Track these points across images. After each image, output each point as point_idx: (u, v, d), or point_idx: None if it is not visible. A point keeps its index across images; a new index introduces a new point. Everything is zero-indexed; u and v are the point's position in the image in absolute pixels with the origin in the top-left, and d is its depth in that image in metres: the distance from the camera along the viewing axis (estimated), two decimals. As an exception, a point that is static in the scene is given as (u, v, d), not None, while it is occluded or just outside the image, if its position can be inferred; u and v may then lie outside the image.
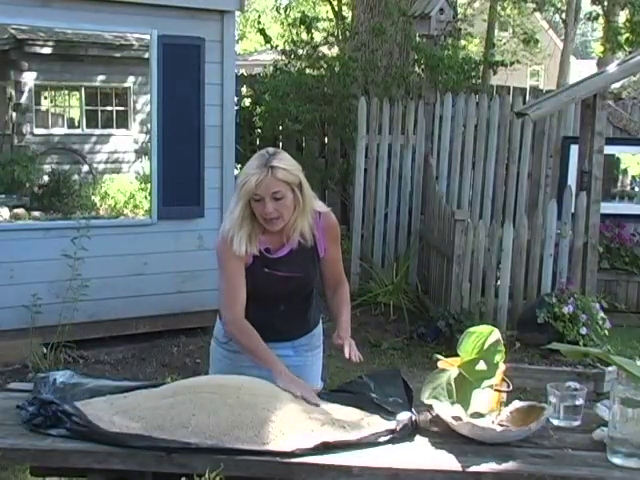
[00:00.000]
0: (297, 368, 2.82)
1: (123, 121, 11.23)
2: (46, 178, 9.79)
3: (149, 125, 6.13)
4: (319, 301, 2.98)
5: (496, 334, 2.51)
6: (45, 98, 11.15)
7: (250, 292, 2.80)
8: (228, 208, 2.76)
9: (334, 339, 2.80)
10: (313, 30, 9.28)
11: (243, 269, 2.75)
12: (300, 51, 8.92)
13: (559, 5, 17.79)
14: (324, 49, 9.33)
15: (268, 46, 9.74)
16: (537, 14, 23.78)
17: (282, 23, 11.45)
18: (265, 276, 2.76)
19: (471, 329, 2.56)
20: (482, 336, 2.51)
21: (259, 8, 19.73)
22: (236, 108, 7.27)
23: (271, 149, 2.72)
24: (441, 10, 7.26)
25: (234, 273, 2.73)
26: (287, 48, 9.04)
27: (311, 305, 2.92)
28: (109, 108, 11.26)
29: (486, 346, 2.48)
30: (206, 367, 3.08)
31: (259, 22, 10.77)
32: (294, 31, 9.36)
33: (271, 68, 9.16)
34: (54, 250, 5.44)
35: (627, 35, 11.03)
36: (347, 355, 2.71)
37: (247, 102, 9.31)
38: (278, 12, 12.62)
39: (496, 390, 2.50)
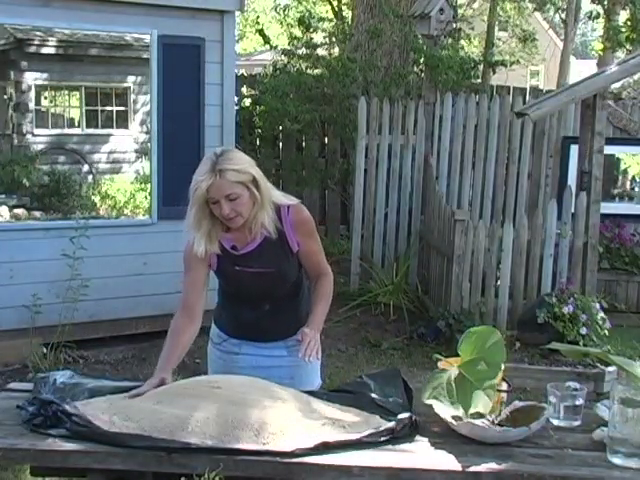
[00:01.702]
0: (291, 368, 2.81)
1: (123, 121, 11.25)
2: (46, 178, 9.80)
3: (149, 125, 6.13)
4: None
5: (497, 335, 2.51)
6: (45, 98, 11.16)
7: (232, 293, 2.83)
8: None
9: (298, 333, 2.72)
10: (313, 30, 9.28)
11: (203, 272, 2.77)
12: (299, 51, 8.92)
13: (559, 4, 17.78)
14: (324, 49, 9.33)
15: (268, 46, 9.75)
16: (537, 14, 23.80)
17: (281, 23, 11.45)
18: (237, 274, 2.76)
19: (472, 329, 2.56)
20: (483, 337, 2.50)
21: (259, 8, 19.72)
22: (236, 108, 7.27)
23: (219, 149, 2.67)
24: (441, 10, 7.26)
25: (191, 277, 2.79)
26: (286, 49, 9.04)
27: (300, 303, 2.87)
28: (109, 108, 11.28)
29: (487, 346, 2.48)
30: (206, 367, 3.08)
31: (257, 23, 10.76)
32: (293, 31, 9.37)
33: (271, 68, 9.16)
34: (54, 250, 5.44)
35: (628, 34, 11.01)
36: (300, 354, 2.65)
37: (247, 102, 9.31)
38: (277, 12, 12.62)
39: (496, 390, 2.50)
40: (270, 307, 2.82)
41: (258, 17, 12.59)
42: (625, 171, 8.06)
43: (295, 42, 9.09)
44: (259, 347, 2.85)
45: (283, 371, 2.77)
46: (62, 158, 10.65)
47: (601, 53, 13.95)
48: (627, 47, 10.98)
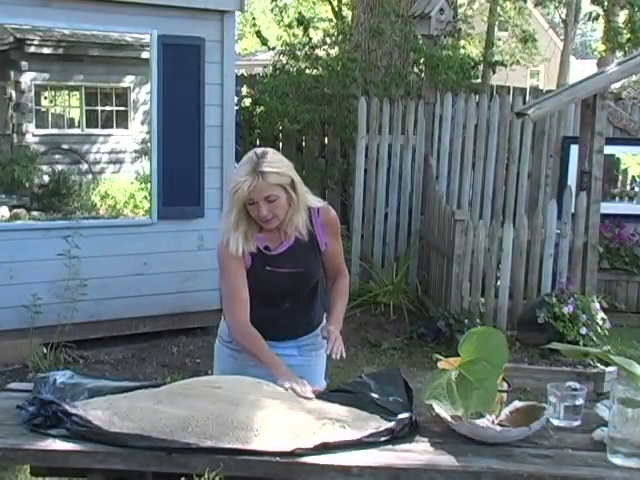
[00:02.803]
0: (301, 368, 2.82)
1: (123, 121, 11.24)
2: (46, 178, 9.80)
3: (149, 125, 6.13)
4: (323, 300, 2.97)
5: (500, 336, 2.50)
6: (45, 98, 11.15)
7: (257, 292, 2.81)
8: (223, 212, 2.79)
9: (322, 331, 2.80)
10: (312, 30, 9.27)
11: (243, 271, 2.76)
12: (298, 52, 8.91)
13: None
14: (323, 49, 9.32)
15: (266, 47, 9.76)
16: (537, 14, 23.80)
17: (279, 23, 11.44)
18: (269, 275, 2.78)
19: (473, 329, 2.56)
20: (484, 337, 2.50)
21: (259, 8, 19.70)
22: (236, 108, 7.26)
23: (259, 150, 2.70)
24: (441, 10, 7.26)
25: (234, 277, 2.75)
26: (285, 49, 9.04)
27: (315, 303, 2.91)
28: (109, 108, 11.27)
29: (488, 347, 2.47)
30: (206, 367, 3.09)
31: (254, 24, 10.76)
32: (291, 32, 9.36)
33: (270, 68, 9.16)
34: (54, 250, 5.44)
35: (627, 35, 11.02)
36: (328, 350, 2.71)
37: (247, 102, 9.31)
38: (273, 13, 12.59)
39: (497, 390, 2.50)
40: (290, 306, 2.85)
41: (254, 18, 12.55)
42: (625, 171, 8.06)
43: (294, 42, 9.08)
44: (271, 346, 2.86)
45: (293, 370, 2.78)
46: (62, 158, 10.64)
47: (603, 54, 13.95)
48: (626, 49, 10.98)
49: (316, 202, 2.82)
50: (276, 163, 2.66)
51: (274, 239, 2.78)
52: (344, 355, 2.74)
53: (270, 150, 2.74)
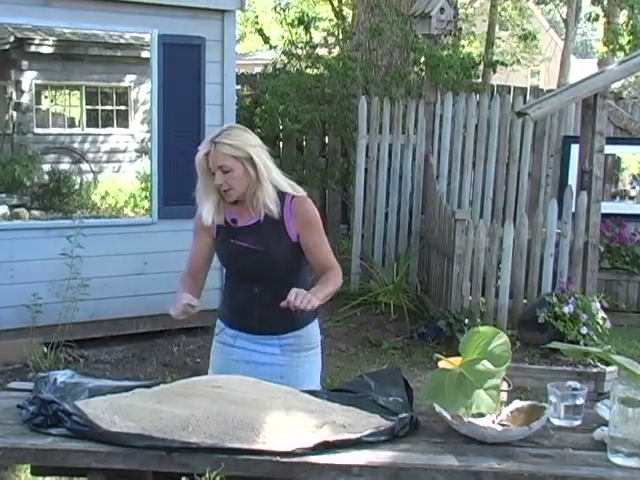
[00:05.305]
0: (282, 367, 2.81)
1: (123, 120, 11.26)
2: (46, 177, 9.81)
3: (149, 124, 6.13)
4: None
5: (502, 336, 2.49)
6: (45, 97, 11.17)
7: (228, 272, 2.98)
8: None
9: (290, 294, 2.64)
10: (313, 30, 9.26)
11: (208, 241, 2.91)
12: (299, 51, 8.91)
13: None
14: (324, 49, 9.32)
15: (268, 46, 9.75)
16: (538, 14, 23.81)
17: (281, 23, 11.45)
18: (230, 247, 2.85)
19: (475, 329, 2.55)
20: (485, 337, 2.50)
21: (259, 7, 19.69)
22: (236, 108, 7.26)
23: (227, 126, 2.86)
24: (442, 9, 7.26)
25: (196, 242, 2.95)
26: (286, 48, 9.04)
27: None
28: (109, 107, 11.28)
29: (490, 347, 2.47)
30: (206, 366, 3.11)
31: (256, 22, 10.75)
32: (293, 31, 9.35)
33: (271, 68, 9.16)
34: (54, 249, 5.44)
35: (628, 38, 11.02)
36: (285, 303, 2.60)
37: (247, 102, 9.30)
38: (276, 12, 12.58)
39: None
40: (259, 292, 2.83)
41: (257, 17, 12.55)
42: (626, 170, 8.06)
43: (295, 42, 9.07)
44: (252, 341, 2.88)
45: (274, 369, 2.77)
46: (62, 157, 10.66)
47: (605, 55, 13.95)
48: (626, 50, 10.98)
49: (291, 189, 2.81)
50: (234, 136, 2.75)
51: (243, 214, 2.83)
52: (311, 305, 2.59)
53: (238, 126, 2.88)
